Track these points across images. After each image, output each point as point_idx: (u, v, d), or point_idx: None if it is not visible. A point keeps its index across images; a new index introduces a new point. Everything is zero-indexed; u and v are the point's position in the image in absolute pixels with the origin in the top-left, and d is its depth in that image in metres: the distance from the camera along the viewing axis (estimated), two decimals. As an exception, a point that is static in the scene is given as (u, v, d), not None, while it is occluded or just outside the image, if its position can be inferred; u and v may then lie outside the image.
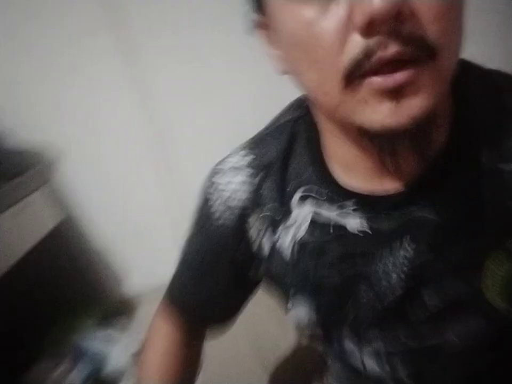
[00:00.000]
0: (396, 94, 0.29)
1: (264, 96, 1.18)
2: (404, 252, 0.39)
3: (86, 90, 1.26)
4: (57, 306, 1.22)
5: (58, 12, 1.20)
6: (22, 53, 1.23)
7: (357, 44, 0.29)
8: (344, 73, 0.30)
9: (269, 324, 1.03)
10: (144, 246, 1.46)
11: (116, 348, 1.12)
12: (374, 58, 0.28)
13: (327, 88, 0.31)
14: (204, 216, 0.51)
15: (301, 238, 0.44)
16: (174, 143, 1.36)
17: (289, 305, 0.48)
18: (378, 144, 0.34)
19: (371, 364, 0.45)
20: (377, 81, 0.29)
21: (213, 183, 0.50)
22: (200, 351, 0.60)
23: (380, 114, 0.30)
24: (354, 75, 0.29)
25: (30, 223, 1.11)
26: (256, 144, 0.49)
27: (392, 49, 0.28)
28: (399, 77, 0.28)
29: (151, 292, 1.53)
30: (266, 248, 0.47)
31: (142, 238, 1.45)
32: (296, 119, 0.47)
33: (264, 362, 0.94)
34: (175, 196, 1.40)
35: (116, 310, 1.48)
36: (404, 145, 0.34)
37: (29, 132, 1.25)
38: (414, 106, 0.30)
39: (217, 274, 0.52)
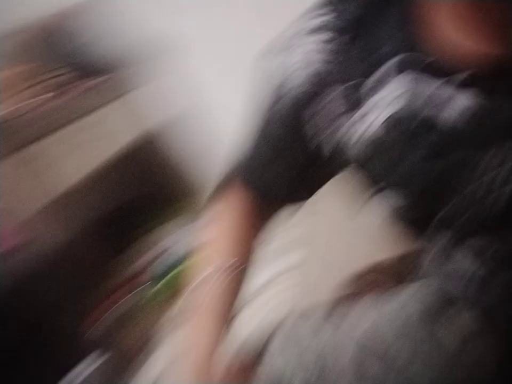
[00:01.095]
0: None
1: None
2: None
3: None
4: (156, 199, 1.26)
5: None
6: None
7: None
8: None
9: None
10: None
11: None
12: None
13: None
14: (276, 82, 0.45)
15: (396, 112, 0.38)
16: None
17: (373, 189, 0.43)
18: None
19: (461, 258, 0.39)
20: None
21: (289, 43, 0.44)
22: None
23: None
24: None
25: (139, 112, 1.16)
26: None
27: None
28: None
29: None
30: (356, 129, 0.41)
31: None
32: None
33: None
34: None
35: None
36: None
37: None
38: None
39: (294, 150, 0.48)
